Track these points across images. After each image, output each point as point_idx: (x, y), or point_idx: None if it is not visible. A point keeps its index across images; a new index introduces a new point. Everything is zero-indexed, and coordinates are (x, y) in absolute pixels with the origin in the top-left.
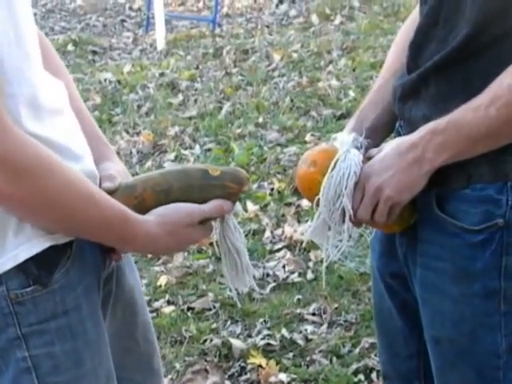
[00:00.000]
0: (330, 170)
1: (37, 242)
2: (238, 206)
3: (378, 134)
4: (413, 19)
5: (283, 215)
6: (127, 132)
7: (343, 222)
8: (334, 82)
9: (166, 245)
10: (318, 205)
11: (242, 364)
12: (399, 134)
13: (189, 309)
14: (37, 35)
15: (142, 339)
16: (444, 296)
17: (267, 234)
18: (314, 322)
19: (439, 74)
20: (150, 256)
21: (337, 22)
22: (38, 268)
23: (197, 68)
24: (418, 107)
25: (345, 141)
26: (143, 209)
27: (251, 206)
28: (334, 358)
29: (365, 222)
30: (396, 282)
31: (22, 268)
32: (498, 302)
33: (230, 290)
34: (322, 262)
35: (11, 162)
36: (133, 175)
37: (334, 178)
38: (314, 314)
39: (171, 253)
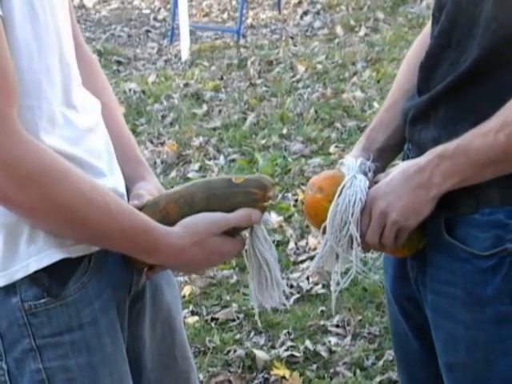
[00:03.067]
0: (336, 196)
1: (48, 253)
2: (267, 215)
3: (387, 155)
4: (424, 36)
5: (307, 226)
6: (151, 142)
7: (351, 248)
8: (359, 94)
9: (192, 257)
10: (324, 232)
11: (266, 375)
12: (407, 157)
13: (212, 319)
14: (73, 49)
15: (180, 357)
16: (456, 322)
17: (291, 245)
18: (337, 334)
19: (449, 97)
20: None
21: (361, 33)
22: (49, 279)
23: (221, 79)
24: (427, 130)
25: (351, 166)
26: (169, 223)
27: (275, 217)
28: (358, 371)
29: (374, 247)
30: (411, 306)
31: (34, 279)
32: (510, 326)
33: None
34: (345, 273)
35: (20, 168)
36: None
37: (340, 205)
38: (337, 326)
39: (202, 267)
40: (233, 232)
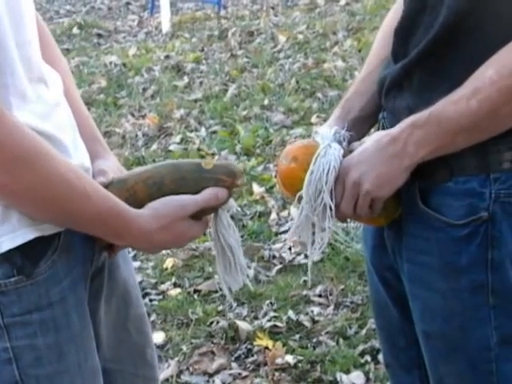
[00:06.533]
0: (310, 165)
1: (22, 232)
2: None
3: (363, 124)
4: (398, 5)
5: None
6: (133, 115)
7: (327, 217)
8: (340, 63)
9: (161, 240)
10: (299, 201)
11: (249, 346)
12: (382, 126)
13: (195, 291)
14: (35, 23)
15: (135, 330)
16: (432, 291)
17: (273, 216)
18: (320, 304)
19: (423, 64)
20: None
21: (342, 2)
22: (22, 258)
23: (202, 50)
24: (402, 98)
25: (326, 135)
26: (135, 202)
27: (257, 188)
28: (341, 340)
29: (349, 217)
30: (390, 275)
31: (6, 257)
32: (486, 295)
33: (221, 289)
34: (328, 243)
35: (3, 151)
36: (138, 158)
37: (315, 173)
38: (320, 296)
39: (169, 248)
40: (199, 214)
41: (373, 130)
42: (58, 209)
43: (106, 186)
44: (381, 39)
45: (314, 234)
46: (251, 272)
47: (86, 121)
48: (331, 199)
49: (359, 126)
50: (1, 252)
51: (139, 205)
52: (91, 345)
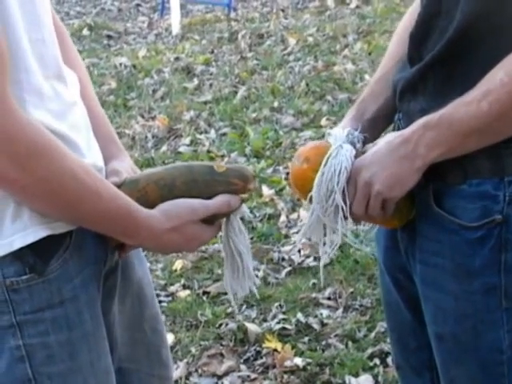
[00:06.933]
0: (321, 166)
1: (33, 230)
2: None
3: (378, 126)
4: (414, 8)
5: (299, 199)
6: (142, 116)
7: (338, 218)
8: (350, 66)
9: (171, 241)
10: (311, 202)
11: (258, 348)
12: (398, 127)
13: (204, 293)
14: (53, 23)
15: (150, 330)
16: (445, 293)
17: (283, 218)
18: (329, 307)
19: (438, 68)
20: None
21: (352, 5)
22: (34, 256)
23: (212, 52)
24: (416, 101)
25: (338, 136)
26: (147, 203)
27: (266, 191)
28: (350, 343)
29: (362, 218)
30: (402, 276)
31: (18, 255)
32: (498, 298)
33: (226, 293)
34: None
35: (16, 145)
36: (148, 160)
37: (326, 174)
38: (329, 299)
39: (179, 251)
40: (211, 218)
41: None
42: (68, 205)
43: (119, 186)
44: (396, 41)
45: (325, 235)
46: (260, 274)
47: (102, 121)
48: (343, 200)
49: (374, 128)
50: (13, 250)
51: (150, 206)
52: (104, 345)
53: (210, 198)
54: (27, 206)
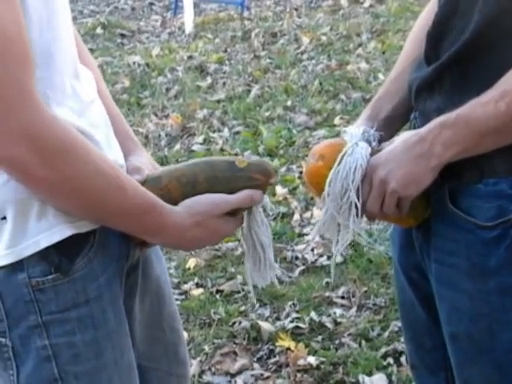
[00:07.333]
0: (336, 164)
1: (59, 229)
2: (266, 199)
3: (393, 124)
4: (431, 7)
5: (312, 198)
6: (156, 115)
7: (352, 216)
8: (364, 65)
9: (194, 237)
10: (325, 200)
11: (271, 347)
12: (414, 126)
13: (217, 291)
14: (71, 21)
15: (169, 328)
16: (460, 292)
17: (296, 217)
18: (342, 306)
19: (454, 67)
20: None
21: (366, 4)
22: (59, 256)
23: (225, 51)
24: (432, 100)
25: (354, 134)
26: (169, 200)
27: (280, 189)
28: (363, 342)
29: (376, 216)
30: (417, 275)
31: (43, 255)
32: None
33: (245, 284)
34: (351, 245)
35: (44, 142)
36: (161, 158)
37: (341, 172)
38: (342, 298)
39: (202, 247)
40: (233, 211)
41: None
42: (94, 202)
43: (142, 183)
44: (412, 40)
45: (339, 232)
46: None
47: (117, 118)
48: (358, 198)
49: (389, 126)
50: (39, 249)
51: (173, 203)
52: (127, 341)
53: (232, 193)
54: (53, 205)
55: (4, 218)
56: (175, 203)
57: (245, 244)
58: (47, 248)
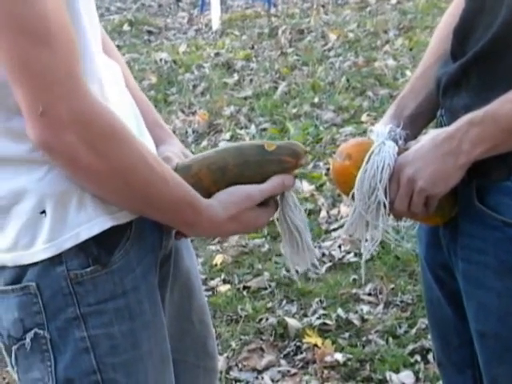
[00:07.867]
0: (364, 163)
1: (98, 221)
2: (298, 182)
3: (418, 122)
4: (457, 3)
5: (339, 195)
6: (183, 112)
7: (380, 215)
8: (391, 62)
9: (229, 230)
10: (353, 199)
11: (298, 343)
12: (441, 124)
13: (244, 288)
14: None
15: (198, 321)
16: (487, 290)
17: (323, 213)
18: (369, 302)
19: (481, 64)
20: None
21: (393, 1)
22: (97, 248)
23: (252, 48)
24: (459, 97)
25: (380, 133)
26: (201, 188)
27: (307, 186)
28: (390, 339)
29: (404, 215)
30: (444, 273)
31: (82, 247)
32: None
33: (288, 270)
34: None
35: (92, 129)
36: None
37: (368, 171)
38: (370, 295)
39: (236, 235)
40: (266, 199)
41: (430, 128)
42: (137, 191)
43: None
44: (438, 36)
45: (367, 231)
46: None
47: (147, 107)
48: (385, 197)
49: (414, 124)
50: (79, 242)
51: (205, 190)
52: (163, 331)
53: (263, 177)
54: (98, 194)
55: (43, 211)
56: (207, 190)
57: (280, 229)
58: (86, 240)
